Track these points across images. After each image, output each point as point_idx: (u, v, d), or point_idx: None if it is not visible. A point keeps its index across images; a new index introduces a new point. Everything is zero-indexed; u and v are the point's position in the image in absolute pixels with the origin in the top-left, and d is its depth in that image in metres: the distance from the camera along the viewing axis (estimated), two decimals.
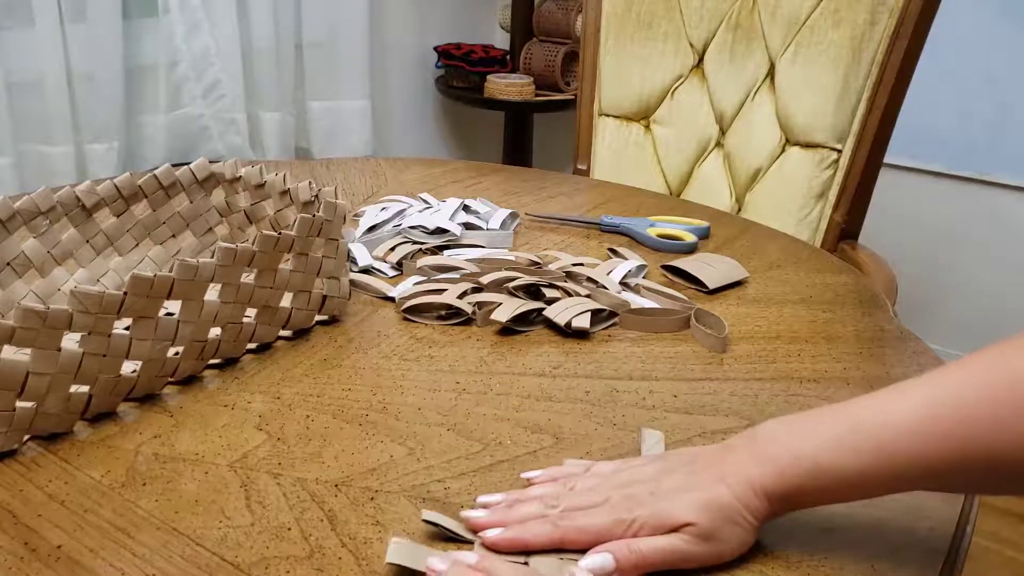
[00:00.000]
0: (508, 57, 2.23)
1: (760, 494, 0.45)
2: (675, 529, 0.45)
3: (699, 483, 0.46)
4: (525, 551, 0.45)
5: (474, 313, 0.72)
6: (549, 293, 0.74)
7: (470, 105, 2.24)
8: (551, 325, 0.72)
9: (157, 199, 0.75)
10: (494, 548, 0.46)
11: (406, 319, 0.73)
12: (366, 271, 0.82)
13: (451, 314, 0.73)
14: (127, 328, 0.56)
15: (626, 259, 0.85)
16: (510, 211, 0.94)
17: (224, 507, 0.49)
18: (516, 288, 0.75)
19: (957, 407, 0.42)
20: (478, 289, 0.75)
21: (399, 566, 0.45)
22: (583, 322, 0.70)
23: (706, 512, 0.45)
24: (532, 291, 0.75)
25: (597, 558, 0.44)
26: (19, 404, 0.52)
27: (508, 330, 0.71)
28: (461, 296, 0.73)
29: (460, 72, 2.17)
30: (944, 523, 0.50)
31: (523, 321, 0.72)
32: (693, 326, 0.71)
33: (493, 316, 0.70)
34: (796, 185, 1.19)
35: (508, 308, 0.71)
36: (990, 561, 1.51)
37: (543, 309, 0.72)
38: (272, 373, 0.64)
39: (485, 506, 0.49)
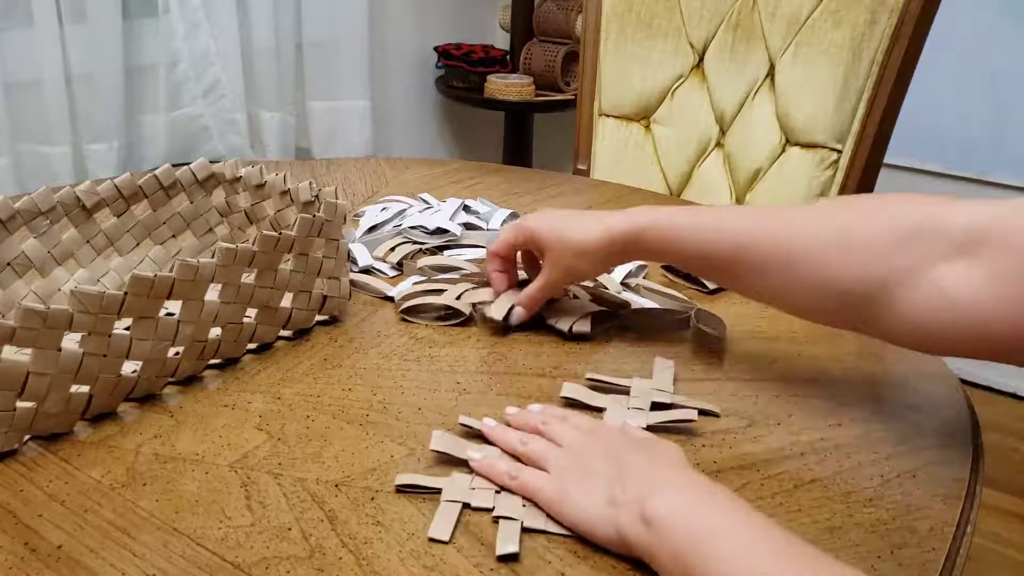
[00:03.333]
0: (508, 57, 2.23)
1: (602, 234, 0.63)
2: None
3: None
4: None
5: (473, 311, 0.72)
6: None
7: (470, 105, 2.24)
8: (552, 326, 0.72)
9: (157, 199, 0.75)
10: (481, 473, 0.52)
11: (404, 320, 0.73)
12: (366, 271, 0.82)
13: (449, 315, 0.73)
14: (127, 328, 0.56)
15: None
16: (510, 211, 0.94)
17: (224, 507, 0.49)
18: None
19: (791, 221, 0.57)
20: (477, 289, 0.75)
21: (399, 564, 0.45)
22: (584, 327, 0.70)
23: (557, 245, 0.66)
24: None
25: (515, 312, 0.70)
26: (19, 404, 0.52)
27: (508, 330, 0.71)
28: (459, 297, 0.73)
29: (460, 72, 2.17)
30: (944, 523, 0.50)
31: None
32: (693, 326, 0.71)
33: (488, 314, 0.70)
34: (796, 185, 1.18)
35: (503, 304, 0.71)
36: (990, 561, 1.51)
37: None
38: (272, 373, 0.64)
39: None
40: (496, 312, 0.70)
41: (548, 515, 0.48)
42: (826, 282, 0.54)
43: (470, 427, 0.56)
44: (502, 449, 0.53)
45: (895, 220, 0.52)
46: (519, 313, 0.70)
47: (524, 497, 0.50)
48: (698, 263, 0.64)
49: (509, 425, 0.56)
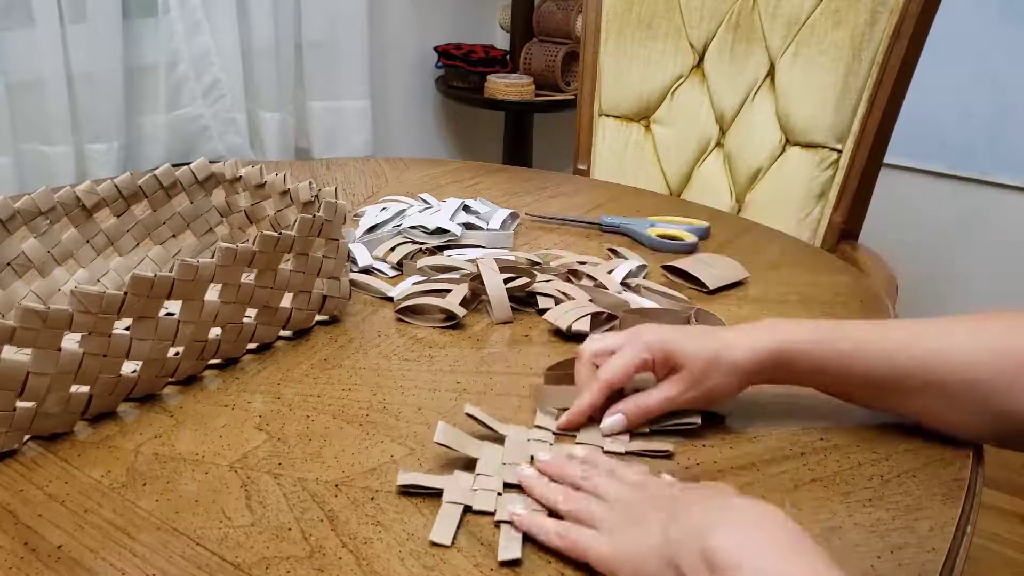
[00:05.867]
0: (508, 57, 2.23)
1: (752, 349, 0.56)
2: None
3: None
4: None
5: (476, 302, 0.73)
6: (542, 300, 0.75)
7: (470, 105, 2.24)
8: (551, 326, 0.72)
9: (157, 199, 0.75)
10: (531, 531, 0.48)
11: (402, 320, 0.73)
12: (366, 271, 0.82)
13: (447, 316, 0.73)
14: (127, 328, 0.56)
15: (626, 259, 0.84)
16: (510, 211, 0.94)
17: (224, 507, 0.49)
18: (513, 289, 0.75)
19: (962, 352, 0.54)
20: (475, 289, 0.75)
21: (399, 564, 0.45)
22: (583, 326, 0.70)
23: (701, 361, 0.56)
24: (529, 298, 0.76)
25: (612, 419, 0.56)
26: (19, 404, 0.52)
27: (508, 329, 0.71)
28: (463, 301, 0.73)
29: (460, 72, 2.17)
30: (944, 523, 0.50)
31: (517, 301, 0.74)
32: (693, 326, 0.71)
33: (494, 317, 0.70)
34: (796, 185, 1.19)
35: (498, 304, 0.71)
36: (990, 561, 1.51)
37: (530, 283, 0.74)
38: (272, 373, 0.64)
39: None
40: (499, 313, 0.64)
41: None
42: (1002, 412, 0.54)
43: (476, 418, 0.56)
44: (542, 505, 0.50)
45: None
46: (618, 421, 0.56)
47: (546, 511, 0.49)
48: (864, 383, 0.57)
49: (543, 474, 0.52)
